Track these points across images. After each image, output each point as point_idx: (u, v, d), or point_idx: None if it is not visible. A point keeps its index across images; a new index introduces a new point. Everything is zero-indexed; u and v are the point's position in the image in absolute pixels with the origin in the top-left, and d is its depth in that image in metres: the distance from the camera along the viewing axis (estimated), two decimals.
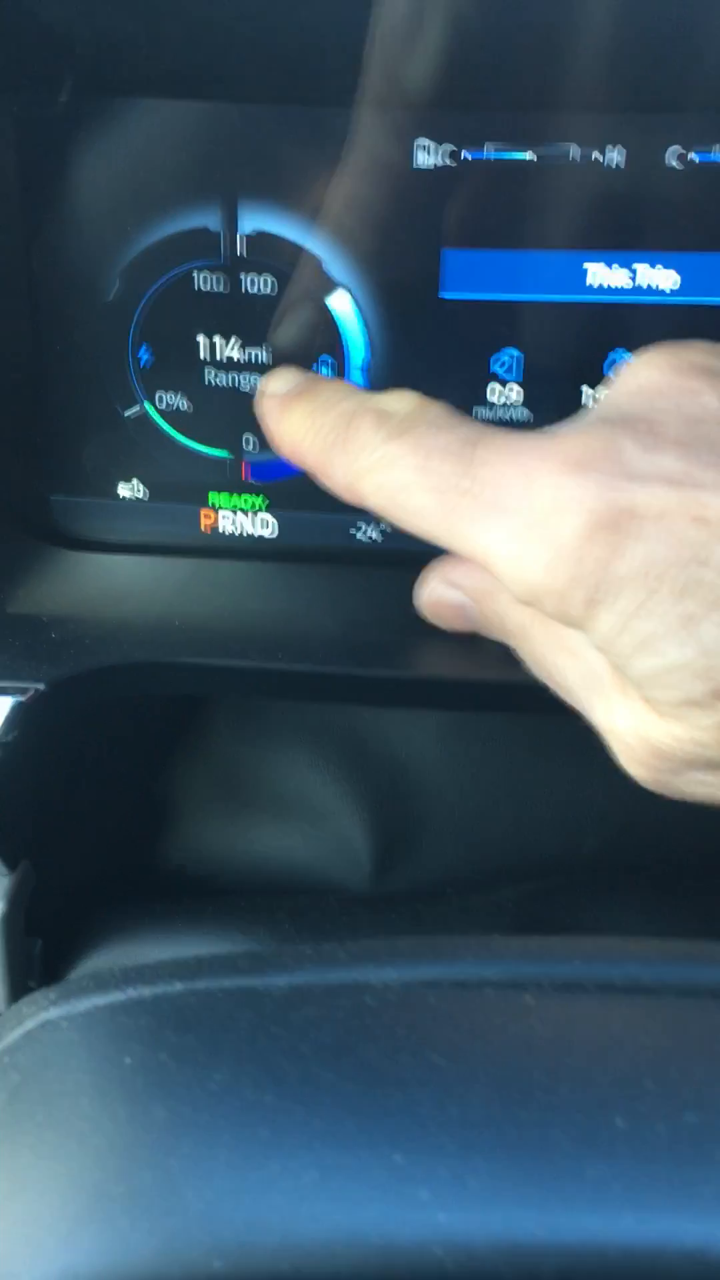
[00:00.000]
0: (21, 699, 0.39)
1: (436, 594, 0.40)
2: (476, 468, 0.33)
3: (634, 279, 0.42)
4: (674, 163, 0.41)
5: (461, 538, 0.33)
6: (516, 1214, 0.19)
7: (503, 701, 0.42)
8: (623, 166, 0.40)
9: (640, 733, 0.33)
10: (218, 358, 0.45)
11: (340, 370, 0.45)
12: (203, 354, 0.45)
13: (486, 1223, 0.19)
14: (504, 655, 0.40)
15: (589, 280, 0.42)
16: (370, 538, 0.47)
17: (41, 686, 0.40)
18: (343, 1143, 0.21)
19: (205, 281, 0.44)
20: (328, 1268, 0.19)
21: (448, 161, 0.41)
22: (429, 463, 0.33)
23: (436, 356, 0.44)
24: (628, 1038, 0.23)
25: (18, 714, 0.39)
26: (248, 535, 0.47)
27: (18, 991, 0.44)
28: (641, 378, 0.33)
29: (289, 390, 0.39)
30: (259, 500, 0.47)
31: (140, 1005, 0.26)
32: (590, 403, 0.44)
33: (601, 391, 0.35)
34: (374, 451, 0.35)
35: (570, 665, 0.36)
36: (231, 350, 0.45)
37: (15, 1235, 0.22)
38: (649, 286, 0.42)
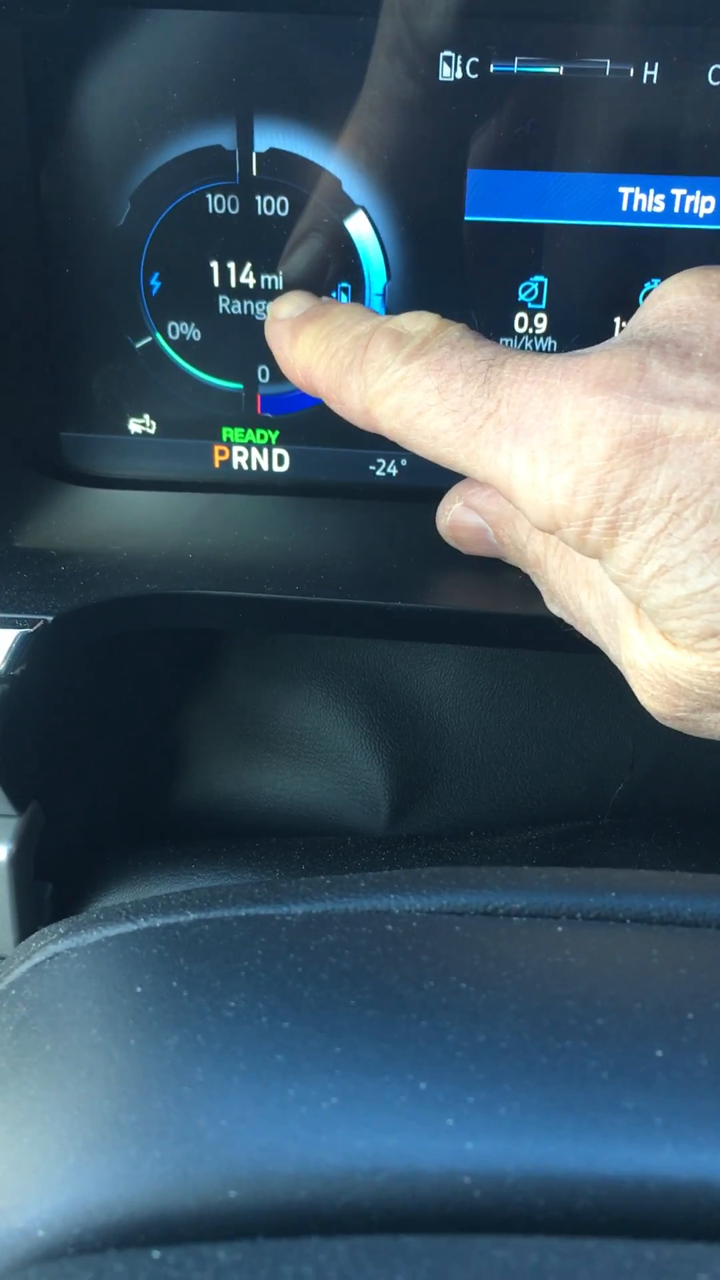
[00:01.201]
0: (28, 631, 0.38)
1: (457, 517, 0.39)
2: (498, 388, 0.32)
3: (670, 204, 0.40)
4: (714, 80, 0.39)
5: (481, 461, 0.32)
6: (550, 1143, 0.18)
7: (524, 637, 0.41)
8: (659, 84, 0.39)
9: (659, 668, 0.32)
10: (230, 284, 0.43)
11: (359, 298, 0.43)
12: (215, 281, 0.43)
13: (517, 1152, 0.18)
14: (525, 588, 0.39)
15: (624, 205, 0.40)
16: (388, 473, 0.45)
17: (49, 619, 0.39)
18: (364, 1069, 0.20)
19: (218, 204, 0.42)
20: (348, 1196, 0.18)
21: (473, 75, 0.39)
22: (449, 384, 0.32)
23: (460, 283, 0.42)
24: (667, 969, 0.22)
25: (24, 646, 0.38)
26: (261, 470, 0.46)
27: (28, 935, 0.43)
28: (670, 300, 0.32)
29: (300, 314, 0.38)
30: (273, 434, 0.45)
31: (151, 935, 0.25)
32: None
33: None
34: (391, 373, 0.34)
35: (589, 599, 0.35)
36: (245, 276, 0.43)
37: (24, 1166, 0.21)
38: (686, 211, 0.40)
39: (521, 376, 0.31)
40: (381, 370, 0.34)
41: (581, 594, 0.35)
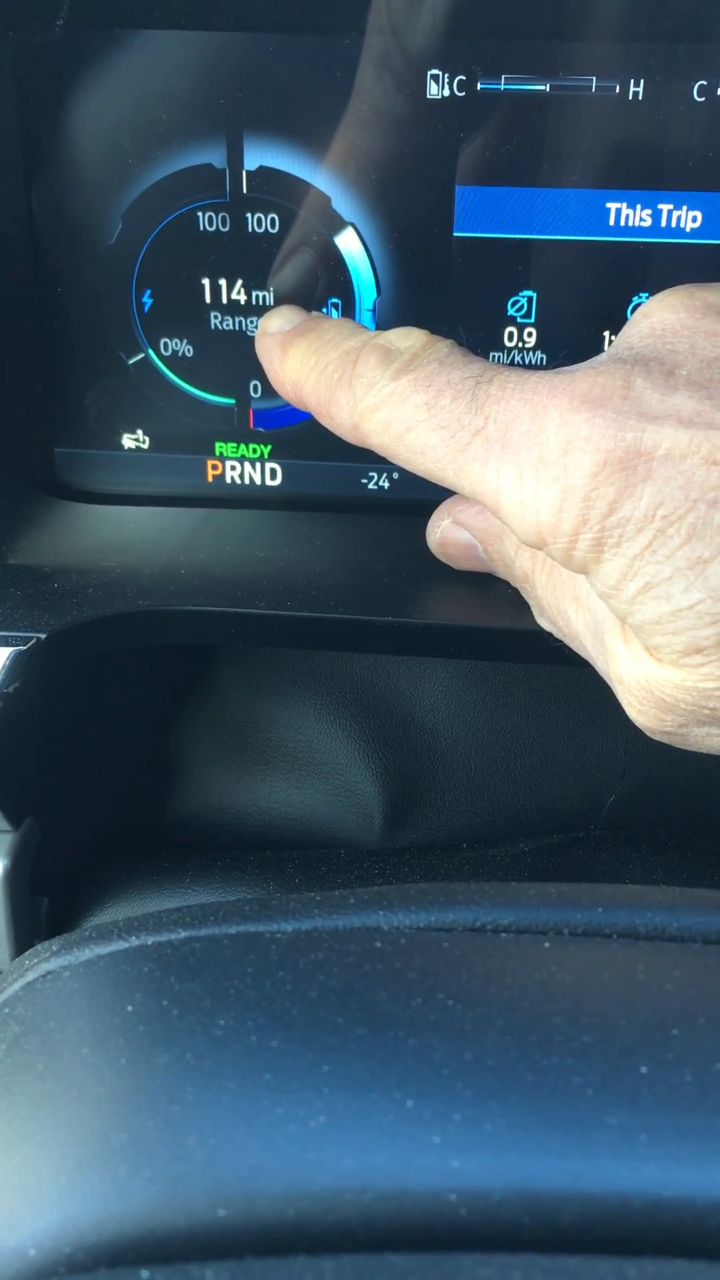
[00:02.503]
0: (21, 649, 0.38)
1: (446, 534, 0.39)
2: (486, 405, 0.32)
3: (657, 219, 0.41)
4: (699, 96, 0.39)
5: (469, 478, 0.32)
6: (535, 1160, 0.18)
7: (515, 650, 0.41)
8: (645, 100, 0.39)
9: (645, 684, 0.32)
10: (222, 301, 0.43)
11: (349, 313, 0.43)
12: (207, 297, 0.43)
13: (503, 1169, 0.18)
14: (516, 602, 0.39)
15: (611, 220, 0.41)
16: (380, 486, 0.46)
17: (42, 636, 0.39)
18: (351, 1087, 0.20)
19: (209, 221, 0.42)
20: (336, 1215, 0.18)
21: (461, 92, 0.39)
22: (437, 400, 0.33)
23: (449, 298, 0.43)
24: (652, 985, 0.22)
25: (17, 664, 0.38)
26: (254, 484, 0.46)
27: (24, 950, 0.43)
28: (656, 319, 0.32)
29: (290, 328, 0.38)
30: (265, 449, 0.46)
31: (142, 953, 0.25)
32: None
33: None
34: (379, 389, 0.34)
35: (577, 614, 0.35)
36: (236, 293, 0.43)
37: (14, 1186, 0.21)
38: (672, 226, 0.41)
39: (509, 393, 0.32)
40: (370, 386, 0.34)
41: (570, 609, 0.35)
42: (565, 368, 0.32)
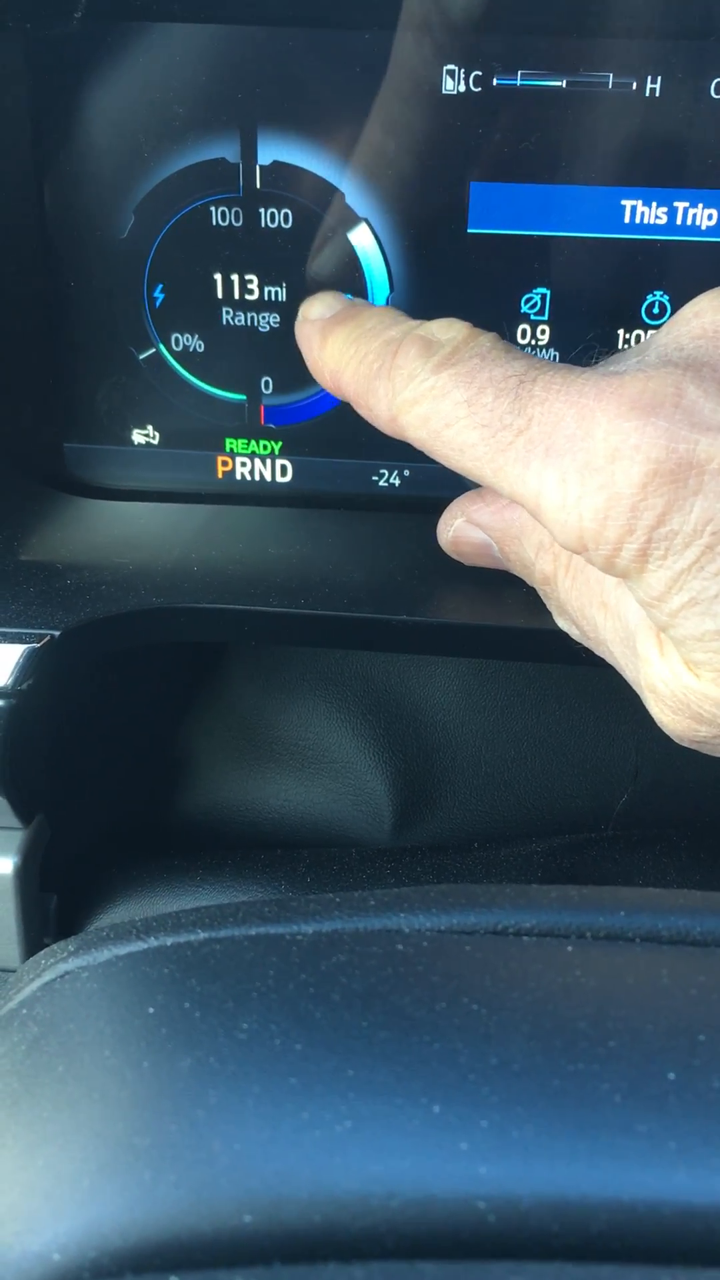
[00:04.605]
0: (35, 646, 0.38)
1: (459, 533, 0.38)
2: (530, 405, 0.31)
3: (672, 217, 0.40)
4: (716, 94, 0.39)
5: (508, 478, 0.31)
6: (564, 1167, 0.18)
7: (531, 650, 0.41)
8: (662, 97, 0.39)
9: (682, 698, 0.31)
10: (234, 296, 0.43)
11: None
12: (219, 292, 0.43)
13: (532, 1176, 0.18)
14: (532, 602, 0.39)
15: (626, 217, 0.40)
16: (391, 484, 0.45)
17: (55, 634, 0.39)
18: (377, 1092, 0.20)
19: (222, 216, 0.42)
20: (363, 1221, 0.18)
21: (477, 88, 0.39)
22: (479, 397, 0.32)
23: (463, 294, 0.42)
24: (677, 990, 0.22)
25: (31, 661, 0.38)
26: (264, 481, 0.46)
27: (33, 948, 0.43)
28: (707, 319, 0.31)
29: (330, 315, 0.37)
30: (275, 445, 0.45)
31: (162, 954, 0.25)
32: (622, 346, 0.43)
33: (665, 333, 0.32)
34: (420, 382, 0.33)
35: (605, 620, 0.34)
36: (248, 288, 0.43)
37: (38, 1188, 0.21)
38: (688, 224, 0.40)
39: (553, 394, 0.31)
40: (410, 378, 0.33)
41: (597, 615, 0.35)
42: (612, 368, 0.31)
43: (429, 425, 0.33)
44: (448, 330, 0.34)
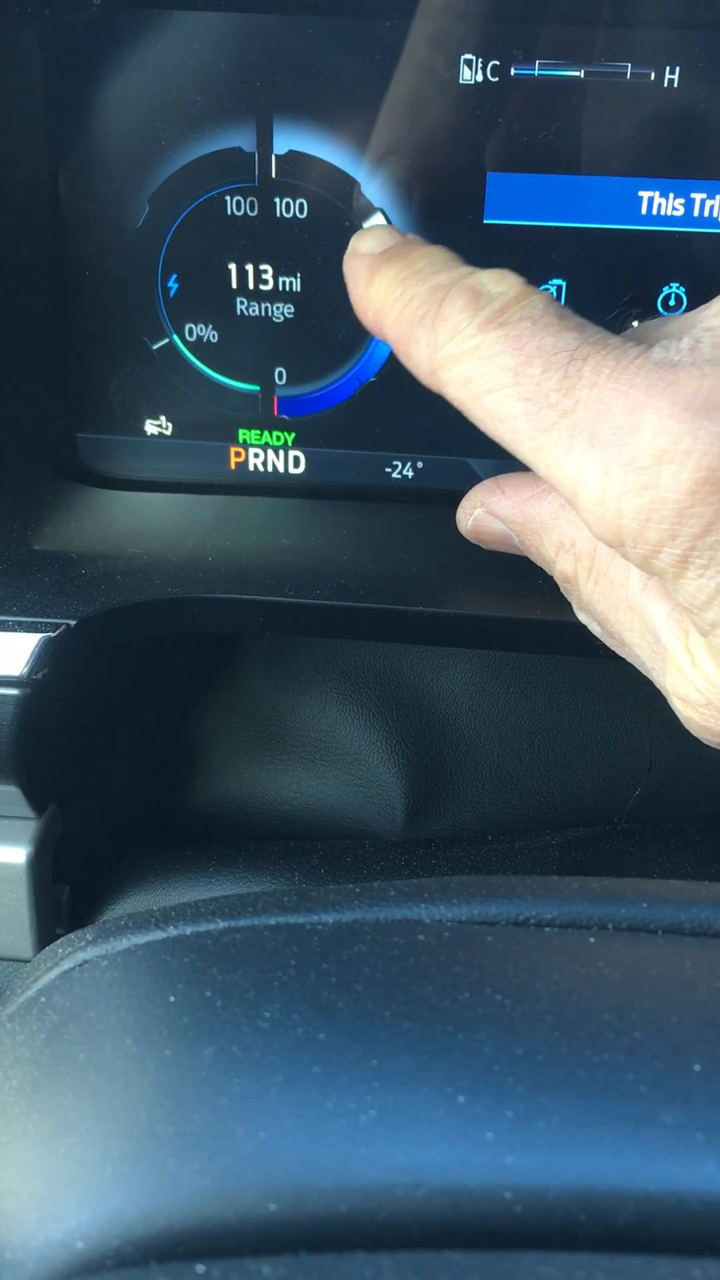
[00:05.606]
0: (50, 635, 0.38)
1: (479, 522, 0.38)
2: (578, 386, 0.29)
3: (689, 208, 0.40)
4: None
5: (547, 460, 0.30)
6: (591, 1158, 0.18)
7: (545, 642, 0.41)
8: (680, 87, 0.38)
9: (712, 701, 0.31)
10: (248, 286, 0.43)
11: None
12: (233, 282, 0.43)
13: (558, 1167, 0.18)
14: (550, 594, 0.39)
15: (643, 209, 0.40)
16: (404, 475, 0.45)
17: (71, 623, 0.39)
18: (402, 1081, 0.20)
19: (237, 206, 0.42)
20: (389, 1210, 0.18)
21: (494, 78, 0.39)
22: (527, 367, 0.30)
23: None
24: (701, 981, 0.22)
25: (47, 651, 0.38)
26: (277, 472, 0.46)
27: (46, 938, 0.43)
28: None
29: (380, 251, 0.35)
30: (289, 436, 0.45)
31: (182, 943, 0.25)
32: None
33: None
34: (465, 339, 0.31)
35: (632, 622, 0.34)
36: (263, 279, 0.43)
37: (60, 1176, 0.21)
38: (706, 215, 0.40)
39: (603, 380, 0.29)
40: (455, 332, 0.32)
41: (622, 617, 0.34)
42: (664, 357, 0.30)
43: (470, 387, 0.31)
44: (499, 283, 0.32)
